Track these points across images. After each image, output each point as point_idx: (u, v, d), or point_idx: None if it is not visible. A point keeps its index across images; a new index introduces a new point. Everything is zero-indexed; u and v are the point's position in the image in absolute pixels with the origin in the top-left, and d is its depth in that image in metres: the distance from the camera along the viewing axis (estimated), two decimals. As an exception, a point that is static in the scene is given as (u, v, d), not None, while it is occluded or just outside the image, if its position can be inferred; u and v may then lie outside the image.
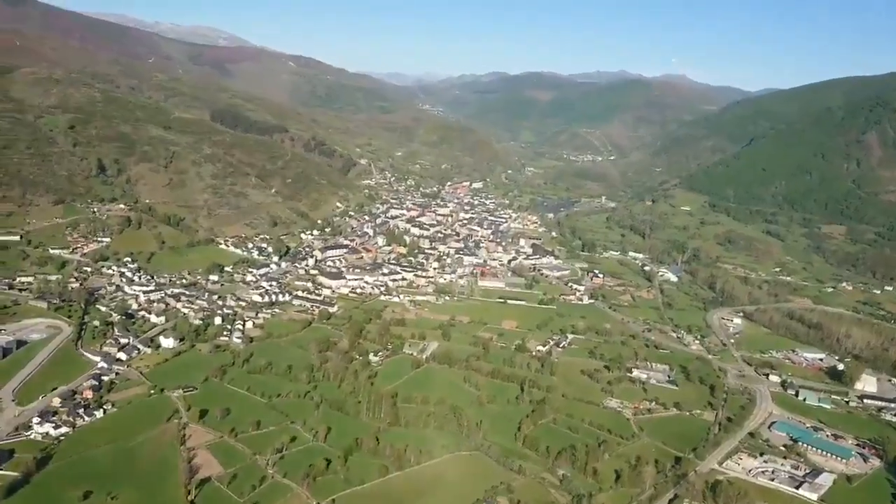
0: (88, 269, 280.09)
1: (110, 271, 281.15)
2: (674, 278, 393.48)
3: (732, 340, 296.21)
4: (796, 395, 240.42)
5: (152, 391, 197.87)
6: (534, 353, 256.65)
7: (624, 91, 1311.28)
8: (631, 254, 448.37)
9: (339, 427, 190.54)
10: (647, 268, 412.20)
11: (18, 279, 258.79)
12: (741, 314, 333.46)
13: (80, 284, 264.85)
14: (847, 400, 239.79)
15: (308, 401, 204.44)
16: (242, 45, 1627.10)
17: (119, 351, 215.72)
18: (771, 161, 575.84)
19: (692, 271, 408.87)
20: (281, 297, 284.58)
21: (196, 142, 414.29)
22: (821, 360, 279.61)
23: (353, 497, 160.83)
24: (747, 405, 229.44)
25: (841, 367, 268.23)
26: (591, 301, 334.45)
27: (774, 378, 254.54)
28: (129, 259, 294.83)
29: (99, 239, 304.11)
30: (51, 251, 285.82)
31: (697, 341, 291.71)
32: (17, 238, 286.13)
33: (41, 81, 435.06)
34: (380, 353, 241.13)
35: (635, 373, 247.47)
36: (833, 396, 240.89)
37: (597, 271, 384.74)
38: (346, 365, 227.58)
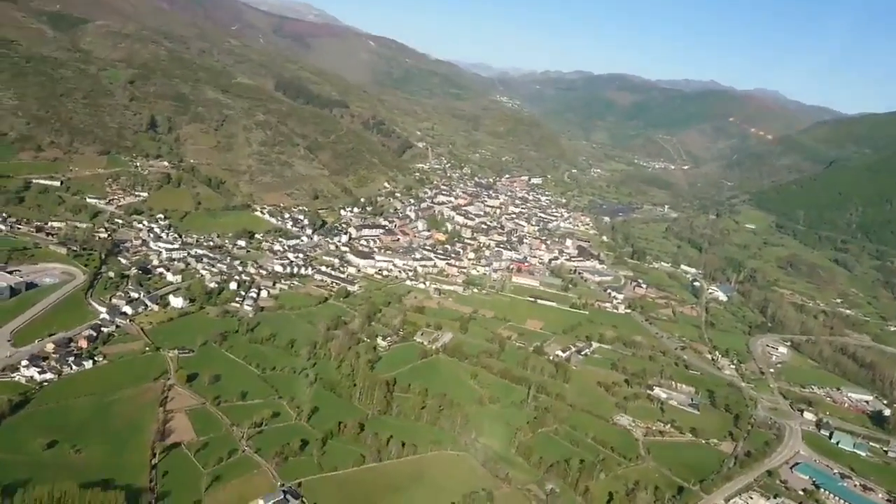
0: (120, 222, 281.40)
1: (140, 226, 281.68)
2: (723, 297, 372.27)
3: (772, 370, 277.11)
4: (830, 436, 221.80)
5: (147, 348, 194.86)
6: (551, 358, 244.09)
7: (707, 101, 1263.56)
8: (683, 267, 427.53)
9: (327, 408, 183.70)
10: (696, 283, 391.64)
11: (50, 223, 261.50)
12: (788, 343, 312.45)
13: (108, 235, 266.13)
14: (887, 450, 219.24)
15: (303, 377, 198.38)
16: (329, 23, 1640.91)
17: (127, 304, 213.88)
18: (849, 186, 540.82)
19: (745, 292, 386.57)
20: (303, 270, 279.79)
21: (250, 108, 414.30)
22: (867, 402, 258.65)
23: (321, 482, 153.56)
24: (772, 441, 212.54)
25: (888, 412, 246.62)
26: (628, 311, 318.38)
27: (809, 415, 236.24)
28: (162, 216, 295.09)
29: (137, 193, 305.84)
30: (88, 200, 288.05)
31: (733, 366, 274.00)
32: (58, 184, 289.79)
33: (111, 35, 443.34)
34: (388, 338, 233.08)
35: (656, 391, 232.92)
36: (871, 444, 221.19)
37: (640, 281, 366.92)
38: (352, 346, 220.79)
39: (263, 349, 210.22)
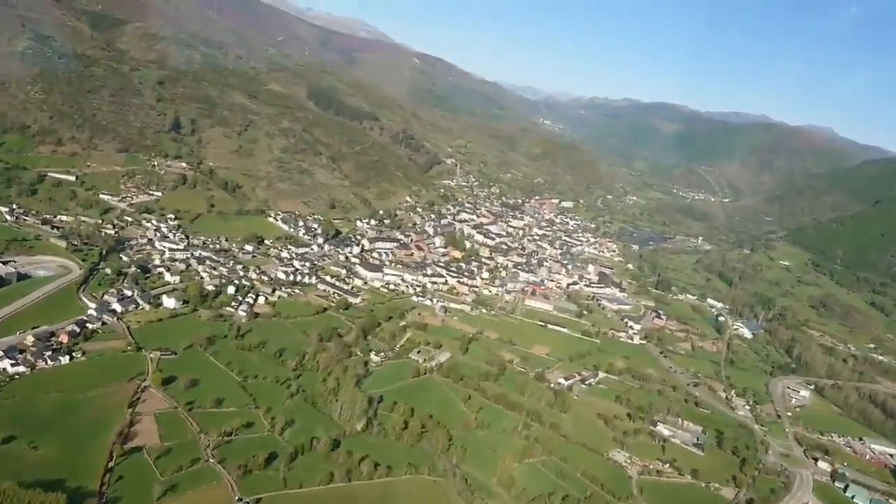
0: (129, 219, 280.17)
1: (149, 224, 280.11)
2: (749, 335, 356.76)
3: (790, 413, 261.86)
4: (845, 489, 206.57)
5: (129, 348, 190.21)
6: (552, 385, 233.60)
7: (753, 133, 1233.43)
8: (710, 301, 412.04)
9: (304, 422, 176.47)
10: (721, 318, 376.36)
11: (59, 217, 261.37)
12: (812, 386, 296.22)
13: (115, 232, 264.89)
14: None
15: (284, 388, 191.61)
16: (378, 39, 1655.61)
17: (118, 302, 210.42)
18: (893, 228, 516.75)
19: (772, 331, 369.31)
20: (307, 279, 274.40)
21: (277, 114, 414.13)
22: (891, 455, 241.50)
23: (282, 499, 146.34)
24: (779, 490, 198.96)
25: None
26: (643, 342, 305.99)
27: (824, 465, 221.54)
28: (173, 216, 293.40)
29: (151, 192, 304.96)
30: (101, 196, 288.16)
31: (748, 407, 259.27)
32: (73, 178, 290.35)
33: (147, 37, 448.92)
34: (382, 354, 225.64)
35: (659, 427, 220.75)
36: (891, 501, 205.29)
37: (661, 312, 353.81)
38: (342, 359, 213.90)
39: (250, 356, 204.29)
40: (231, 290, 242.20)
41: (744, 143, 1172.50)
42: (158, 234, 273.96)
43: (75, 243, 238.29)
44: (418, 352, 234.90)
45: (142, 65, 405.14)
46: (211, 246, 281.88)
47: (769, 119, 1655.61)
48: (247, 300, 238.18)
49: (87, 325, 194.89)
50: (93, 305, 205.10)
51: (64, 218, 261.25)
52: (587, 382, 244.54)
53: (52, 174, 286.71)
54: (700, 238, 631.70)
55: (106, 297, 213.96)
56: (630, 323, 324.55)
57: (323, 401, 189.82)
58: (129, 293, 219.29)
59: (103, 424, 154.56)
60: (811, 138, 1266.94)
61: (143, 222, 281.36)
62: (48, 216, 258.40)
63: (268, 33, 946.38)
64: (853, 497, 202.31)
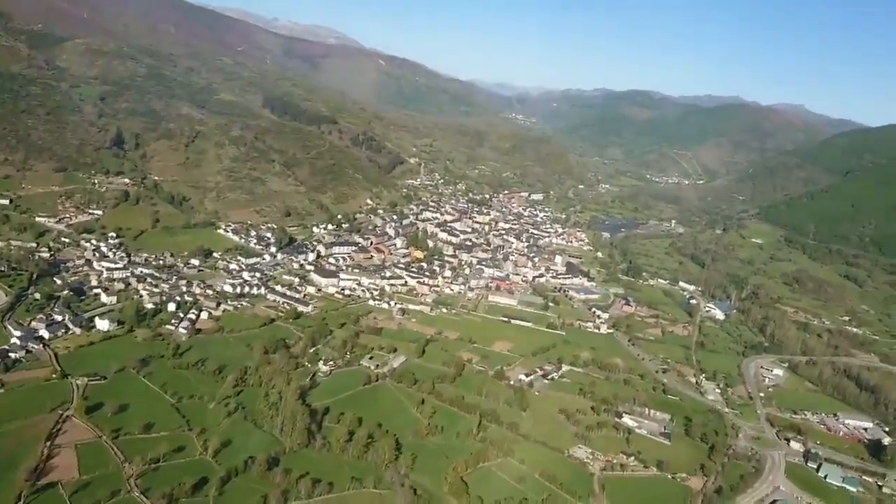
0: (66, 241, 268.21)
1: (88, 244, 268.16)
2: (721, 316, 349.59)
3: (762, 394, 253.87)
4: (818, 469, 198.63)
5: (54, 376, 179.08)
6: (512, 383, 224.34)
7: (726, 115, 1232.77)
8: (681, 284, 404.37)
9: (241, 441, 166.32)
10: (692, 301, 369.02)
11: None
12: (786, 364, 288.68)
13: (51, 255, 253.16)
14: (882, 484, 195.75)
15: (222, 407, 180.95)
16: (346, 44, 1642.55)
17: (46, 328, 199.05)
18: (863, 198, 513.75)
19: (745, 310, 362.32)
20: (255, 290, 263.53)
21: (226, 124, 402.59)
22: (865, 429, 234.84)
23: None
24: (750, 475, 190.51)
25: (887, 441, 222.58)
26: (611, 331, 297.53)
27: (796, 445, 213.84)
28: (114, 235, 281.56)
29: (90, 211, 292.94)
30: (36, 218, 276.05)
31: (718, 390, 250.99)
32: (7, 202, 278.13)
33: (89, 53, 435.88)
34: (331, 363, 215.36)
35: (624, 419, 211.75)
36: (865, 478, 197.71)
37: (629, 299, 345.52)
38: (288, 371, 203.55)
39: (187, 375, 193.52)
40: (172, 307, 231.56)
41: (716, 125, 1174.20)
42: (97, 255, 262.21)
43: (2, 269, 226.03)
44: (371, 357, 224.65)
45: (83, 81, 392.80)
46: (154, 263, 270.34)
47: (742, 100, 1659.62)
48: (188, 317, 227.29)
49: (10, 354, 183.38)
50: (17, 333, 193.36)
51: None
52: (549, 377, 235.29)
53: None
54: (673, 221, 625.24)
55: (34, 323, 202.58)
56: (598, 312, 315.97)
57: (263, 417, 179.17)
58: (59, 318, 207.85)
59: (14, 460, 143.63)
60: (783, 116, 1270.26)
61: (82, 242, 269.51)
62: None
63: (227, 45, 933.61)
64: (826, 477, 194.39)
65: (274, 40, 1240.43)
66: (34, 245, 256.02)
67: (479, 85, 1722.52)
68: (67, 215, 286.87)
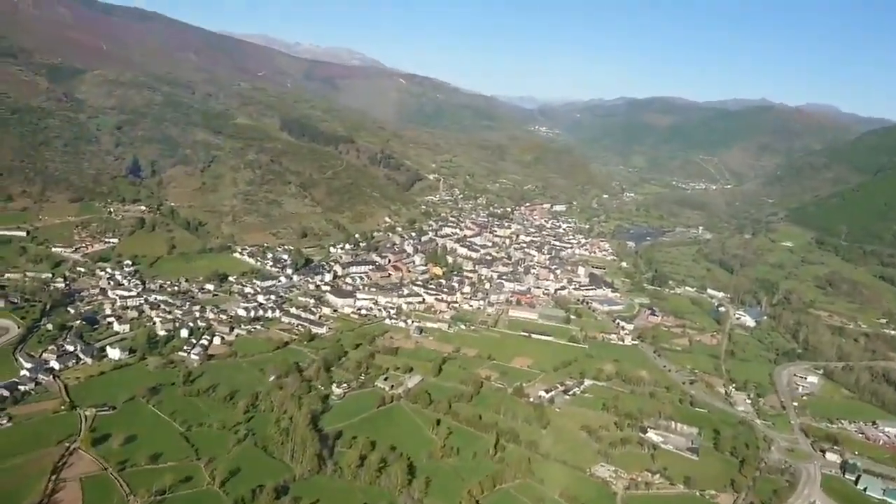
0: (82, 270, 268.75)
1: (103, 273, 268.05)
2: (751, 323, 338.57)
3: (796, 403, 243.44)
4: (856, 481, 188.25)
5: (63, 407, 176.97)
6: (531, 400, 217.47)
7: (751, 118, 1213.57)
8: (709, 291, 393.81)
9: (251, 469, 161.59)
10: (721, 308, 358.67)
11: (6, 276, 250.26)
12: (820, 371, 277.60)
13: (66, 285, 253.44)
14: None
15: (232, 434, 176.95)
16: (367, 65, 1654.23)
17: (57, 359, 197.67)
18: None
19: (777, 316, 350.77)
20: (270, 313, 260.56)
21: (242, 148, 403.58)
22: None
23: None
24: (784, 490, 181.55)
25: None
26: (636, 342, 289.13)
27: (833, 456, 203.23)
28: (130, 262, 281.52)
29: (106, 240, 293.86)
30: (53, 249, 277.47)
31: (749, 400, 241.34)
32: (24, 234, 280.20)
33: (106, 83, 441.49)
34: (344, 385, 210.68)
35: (650, 434, 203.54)
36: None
37: (655, 309, 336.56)
38: (301, 395, 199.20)
39: (198, 403, 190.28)
40: (184, 333, 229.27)
41: (743, 128, 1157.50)
42: (112, 283, 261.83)
43: (14, 301, 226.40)
44: (385, 378, 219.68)
45: (100, 111, 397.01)
46: (169, 289, 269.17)
47: (769, 102, 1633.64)
48: (201, 342, 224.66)
49: (19, 387, 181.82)
50: (28, 365, 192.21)
51: (12, 276, 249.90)
52: (571, 392, 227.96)
53: (1, 232, 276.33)
54: (700, 228, 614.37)
55: (45, 354, 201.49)
56: (622, 323, 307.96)
57: (274, 444, 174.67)
58: (70, 348, 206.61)
59: (17, 495, 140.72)
60: (812, 117, 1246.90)
61: (97, 271, 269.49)
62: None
63: (248, 70, 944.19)
64: (865, 489, 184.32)
65: (295, 64, 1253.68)
66: (50, 276, 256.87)
67: (501, 99, 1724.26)
68: (84, 245, 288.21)
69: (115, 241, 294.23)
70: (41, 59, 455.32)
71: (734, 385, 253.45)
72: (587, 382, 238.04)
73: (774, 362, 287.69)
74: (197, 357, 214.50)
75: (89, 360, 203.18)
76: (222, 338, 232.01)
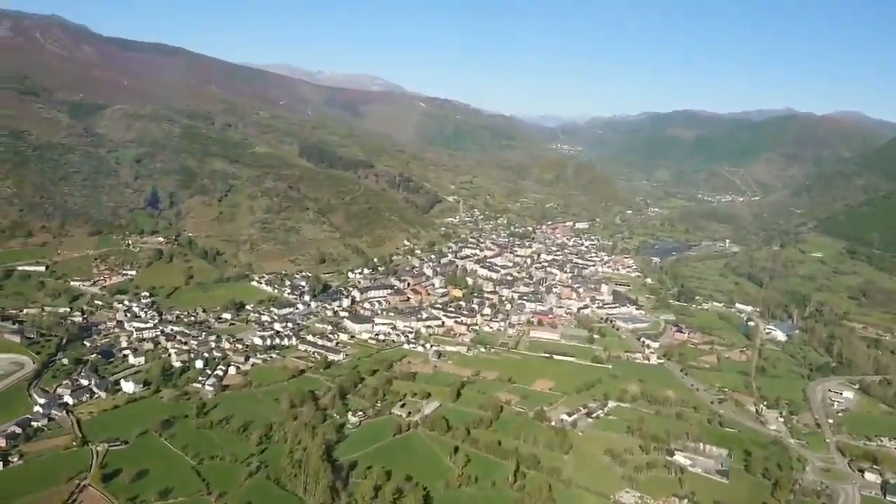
0: (99, 303, 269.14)
1: (120, 306, 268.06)
2: (782, 337, 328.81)
3: (831, 420, 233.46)
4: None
5: (74, 443, 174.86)
6: (553, 424, 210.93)
7: (777, 127, 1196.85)
8: (738, 306, 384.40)
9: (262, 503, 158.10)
10: (751, 323, 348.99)
11: (25, 310, 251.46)
12: (856, 385, 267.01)
13: (83, 318, 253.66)
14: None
15: (244, 466, 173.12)
16: (389, 90, 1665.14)
17: (70, 394, 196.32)
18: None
19: (809, 329, 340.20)
20: (287, 341, 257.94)
21: (260, 176, 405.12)
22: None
23: None
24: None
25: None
26: (661, 361, 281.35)
27: (872, 476, 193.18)
28: (147, 294, 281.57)
29: (124, 272, 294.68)
30: (71, 283, 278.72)
31: (781, 419, 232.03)
32: (43, 269, 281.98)
33: (126, 117, 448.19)
34: (360, 413, 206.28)
35: (677, 456, 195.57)
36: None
37: (682, 325, 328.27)
38: (316, 425, 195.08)
39: (211, 435, 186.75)
40: (199, 364, 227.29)
41: (768, 138, 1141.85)
42: (128, 315, 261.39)
43: (30, 336, 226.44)
44: (402, 405, 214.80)
45: (120, 145, 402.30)
46: (185, 319, 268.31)
47: (793, 111, 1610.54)
48: (216, 373, 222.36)
49: (32, 423, 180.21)
50: (41, 401, 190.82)
51: (30, 311, 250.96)
52: (594, 415, 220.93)
53: (21, 267, 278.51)
54: (727, 241, 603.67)
55: (59, 389, 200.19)
56: (647, 342, 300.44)
57: (287, 476, 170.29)
58: (85, 382, 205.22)
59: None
60: (840, 124, 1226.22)
61: (115, 304, 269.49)
62: (14, 311, 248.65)
63: (269, 100, 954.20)
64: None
65: (316, 92, 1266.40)
66: (68, 310, 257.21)
67: (523, 119, 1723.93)
68: (102, 278, 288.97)
69: (133, 273, 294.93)
70: (63, 96, 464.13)
71: (765, 403, 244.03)
72: (611, 404, 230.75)
73: (808, 378, 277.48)
74: (211, 388, 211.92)
75: (103, 394, 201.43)
76: (237, 367, 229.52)
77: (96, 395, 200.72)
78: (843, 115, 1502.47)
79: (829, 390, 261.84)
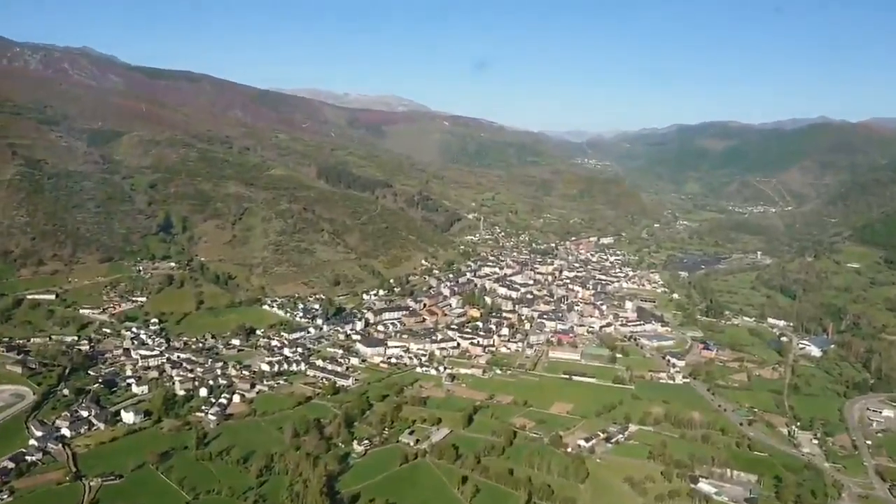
0: (107, 331, 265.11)
1: (128, 333, 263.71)
2: (817, 353, 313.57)
3: (870, 442, 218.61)
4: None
5: (67, 478, 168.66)
6: (569, 450, 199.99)
7: (810, 136, 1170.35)
8: (770, 320, 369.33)
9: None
10: (783, 338, 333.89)
11: (33, 339, 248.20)
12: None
13: (90, 347, 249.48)
14: None
15: (241, 502, 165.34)
16: (413, 110, 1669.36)
17: (68, 426, 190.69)
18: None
19: (845, 343, 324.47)
20: (295, 367, 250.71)
21: (274, 198, 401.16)
22: None
23: None
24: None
25: None
26: (687, 380, 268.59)
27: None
28: (157, 320, 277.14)
29: (134, 298, 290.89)
30: (81, 311, 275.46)
31: (816, 441, 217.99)
32: (53, 297, 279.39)
33: (143, 143, 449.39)
34: (366, 442, 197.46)
35: (701, 484, 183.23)
36: None
37: (709, 342, 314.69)
38: (319, 454, 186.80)
39: (210, 467, 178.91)
40: (203, 392, 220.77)
41: (801, 147, 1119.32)
42: (136, 343, 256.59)
43: (33, 367, 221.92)
44: (411, 432, 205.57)
45: (135, 171, 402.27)
46: (193, 346, 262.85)
47: (828, 119, 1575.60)
48: (220, 401, 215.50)
49: (27, 457, 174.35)
50: (38, 434, 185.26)
51: (37, 340, 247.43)
52: (614, 440, 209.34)
53: (31, 296, 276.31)
54: (759, 253, 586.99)
55: (58, 421, 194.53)
56: (672, 360, 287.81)
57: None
58: (85, 413, 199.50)
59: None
60: (876, 131, 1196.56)
61: (123, 332, 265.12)
62: (21, 340, 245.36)
63: (292, 123, 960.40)
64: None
65: (340, 113, 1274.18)
66: (75, 338, 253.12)
67: (549, 135, 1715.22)
68: (111, 305, 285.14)
69: (143, 299, 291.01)
70: (83, 124, 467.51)
71: (798, 424, 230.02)
72: (632, 428, 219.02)
73: (844, 396, 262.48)
74: (214, 417, 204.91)
75: (102, 426, 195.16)
76: (242, 395, 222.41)
77: (95, 427, 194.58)
78: (878, 121, 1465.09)
79: (868, 409, 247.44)
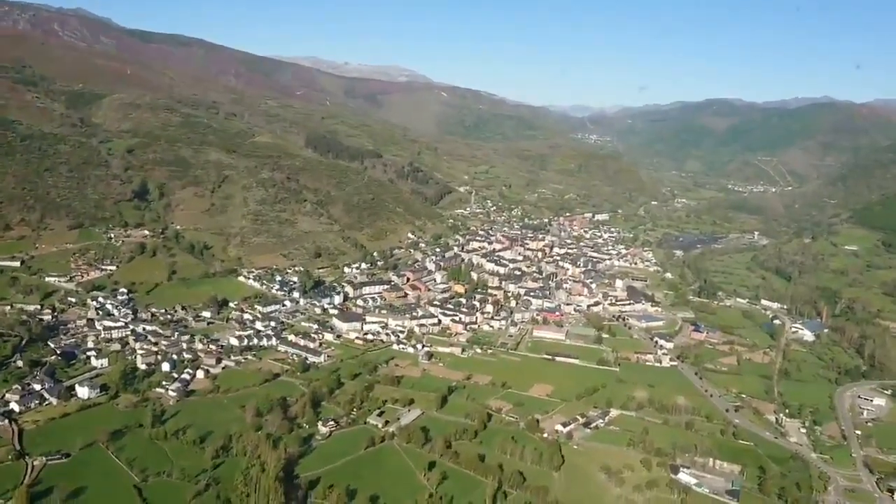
0: (73, 300, 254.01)
1: (94, 303, 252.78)
2: (810, 337, 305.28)
3: (859, 432, 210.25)
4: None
5: (10, 456, 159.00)
6: (546, 435, 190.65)
7: (813, 116, 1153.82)
8: (763, 302, 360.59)
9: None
10: (776, 321, 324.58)
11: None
12: (889, 392, 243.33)
13: (53, 317, 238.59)
14: None
15: (192, 485, 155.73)
16: (413, 80, 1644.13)
17: (18, 400, 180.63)
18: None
19: (839, 328, 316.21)
20: (266, 342, 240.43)
21: (256, 166, 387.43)
22: None
23: None
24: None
25: None
26: (675, 363, 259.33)
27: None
28: (126, 290, 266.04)
29: (103, 267, 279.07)
30: (46, 279, 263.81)
31: (804, 430, 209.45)
32: (18, 264, 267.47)
33: (123, 107, 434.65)
34: (331, 423, 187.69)
35: (681, 474, 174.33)
36: None
37: (700, 324, 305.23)
38: (281, 436, 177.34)
39: (164, 447, 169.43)
40: (166, 367, 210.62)
41: (803, 127, 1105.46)
42: (101, 313, 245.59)
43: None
44: (380, 413, 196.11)
45: (114, 135, 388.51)
46: (161, 318, 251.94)
47: (832, 99, 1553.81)
48: (182, 377, 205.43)
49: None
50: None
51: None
52: (593, 426, 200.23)
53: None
54: (756, 233, 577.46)
55: (8, 394, 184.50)
56: (660, 342, 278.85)
57: (238, 496, 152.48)
58: (37, 387, 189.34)
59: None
60: (880, 112, 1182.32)
61: (89, 301, 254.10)
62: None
63: (287, 90, 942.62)
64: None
65: (337, 82, 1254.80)
66: (38, 307, 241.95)
67: (551, 109, 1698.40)
68: (79, 273, 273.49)
69: (113, 268, 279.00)
70: (62, 86, 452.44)
71: (787, 411, 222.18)
72: (613, 413, 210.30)
73: (835, 382, 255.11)
74: (175, 393, 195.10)
75: (54, 401, 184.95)
76: (207, 371, 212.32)
77: (47, 402, 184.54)
78: (882, 103, 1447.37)
79: (859, 396, 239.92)
